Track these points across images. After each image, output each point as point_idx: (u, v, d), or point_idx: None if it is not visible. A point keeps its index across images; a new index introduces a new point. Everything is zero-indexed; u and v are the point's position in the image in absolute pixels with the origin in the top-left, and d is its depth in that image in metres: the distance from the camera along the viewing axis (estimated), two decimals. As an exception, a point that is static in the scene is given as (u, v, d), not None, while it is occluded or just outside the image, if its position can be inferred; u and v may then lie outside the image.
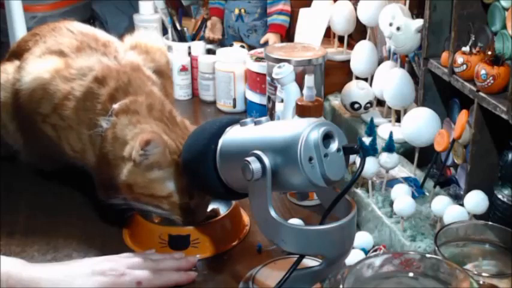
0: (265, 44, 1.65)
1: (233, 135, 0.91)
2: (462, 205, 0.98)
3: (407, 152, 1.28)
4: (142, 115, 1.03)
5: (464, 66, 1.08)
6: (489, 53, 1.04)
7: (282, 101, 1.21)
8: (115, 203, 1.13)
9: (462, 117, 1.08)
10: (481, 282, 0.79)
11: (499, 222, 0.93)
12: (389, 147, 1.09)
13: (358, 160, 1.15)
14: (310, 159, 0.78)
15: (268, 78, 1.37)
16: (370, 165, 1.08)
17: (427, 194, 1.12)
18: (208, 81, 1.65)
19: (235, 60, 1.58)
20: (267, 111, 1.40)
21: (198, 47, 1.70)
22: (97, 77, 1.08)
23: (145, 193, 1.00)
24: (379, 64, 1.42)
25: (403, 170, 1.21)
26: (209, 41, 1.75)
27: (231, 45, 1.73)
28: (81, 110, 1.08)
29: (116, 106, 1.05)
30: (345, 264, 0.87)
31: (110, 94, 1.06)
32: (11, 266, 0.87)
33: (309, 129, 0.79)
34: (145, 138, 0.96)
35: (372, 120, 1.14)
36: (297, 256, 0.83)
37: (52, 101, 1.10)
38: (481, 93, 1.04)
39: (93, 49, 1.14)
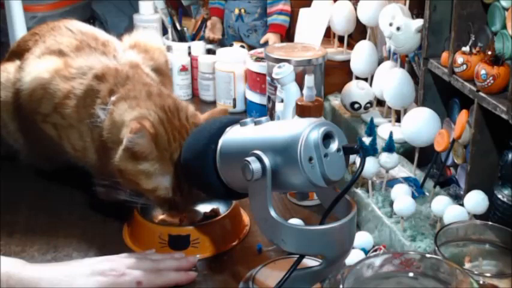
0: (265, 44, 1.65)
1: (233, 135, 0.91)
2: (462, 205, 0.98)
3: (407, 152, 1.28)
4: (141, 99, 1.03)
5: (464, 66, 1.08)
6: (489, 53, 1.04)
7: (282, 101, 1.21)
8: (114, 201, 1.14)
9: (462, 117, 1.08)
10: (481, 282, 0.79)
11: (499, 222, 0.93)
12: (390, 147, 1.09)
13: (358, 160, 1.15)
14: (310, 159, 0.78)
15: (268, 78, 1.37)
16: (370, 165, 1.08)
17: (427, 194, 1.12)
18: (208, 81, 1.65)
19: (235, 60, 1.58)
20: (267, 111, 1.40)
21: (198, 47, 1.70)
22: (97, 75, 1.08)
23: (133, 181, 1.00)
24: (379, 64, 1.43)
25: (403, 170, 1.21)
26: (209, 41, 1.75)
27: (231, 45, 1.73)
28: (81, 107, 1.08)
29: (113, 98, 1.05)
30: (345, 264, 0.87)
31: (109, 89, 1.06)
32: (11, 266, 0.87)
33: (309, 129, 0.79)
34: (135, 125, 0.96)
35: (371, 120, 1.14)
36: (297, 256, 0.83)
37: (52, 100, 1.10)
38: (481, 93, 1.04)
39: (93, 48, 1.15)
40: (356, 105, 1.41)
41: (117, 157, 1.00)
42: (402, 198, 1.02)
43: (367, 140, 1.11)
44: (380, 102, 1.45)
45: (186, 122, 1.03)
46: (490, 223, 0.91)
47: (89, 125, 1.07)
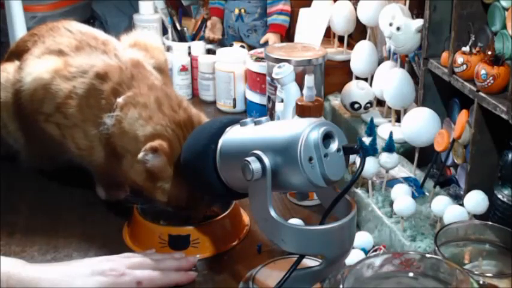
0: (265, 44, 1.66)
1: (233, 135, 0.91)
2: (462, 205, 0.98)
3: (407, 152, 1.28)
4: (152, 109, 1.02)
5: (464, 66, 1.08)
6: (489, 53, 1.04)
7: (282, 101, 1.21)
8: (115, 200, 1.14)
9: (462, 117, 1.08)
10: (481, 282, 0.79)
11: (499, 222, 0.93)
12: (390, 147, 1.09)
13: (358, 160, 1.15)
14: (310, 159, 0.78)
15: (268, 78, 1.37)
16: (370, 165, 1.08)
17: (427, 194, 1.12)
18: (208, 81, 1.65)
19: (235, 60, 1.58)
20: (267, 111, 1.40)
21: (198, 47, 1.70)
22: (99, 73, 1.08)
23: (149, 193, 1.02)
24: (379, 64, 1.43)
25: (403, 170, 1.21)
26: (209, 41, 1.75)
27: (231, 45, 1.73)
28: (85, 107, 1.08)
29: (120, 100, 1.04)
30: (345, 264, 0.87)
31: (112, 88, 1.06)
32: (11, 266, 0.87)
33: (309, 129, 0.79)
34: (153, 146, 0.96)
35: (371, 120, 1.14)
36: (297, 256, 0.83)
37: (54, 100, 1.10)
38: (481, 93, 1.04)
39: (93, 48, 1.14)
40: (356, 105, 1.41)
41: (132, 171, 1.01)
42: (402, 198, 1.02)
43: (367, 140, 1.11)
44: (380, 102, 1.45)
45: None
46: (490, 223, 0.91)
47: (95, 131, 1.06)
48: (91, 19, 2.12)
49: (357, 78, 1.47)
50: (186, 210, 1.03)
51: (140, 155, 0.97)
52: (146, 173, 0.99)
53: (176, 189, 1.00)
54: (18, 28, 1.75)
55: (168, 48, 1.72)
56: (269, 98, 1.38)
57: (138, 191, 1.05)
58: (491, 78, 1.01)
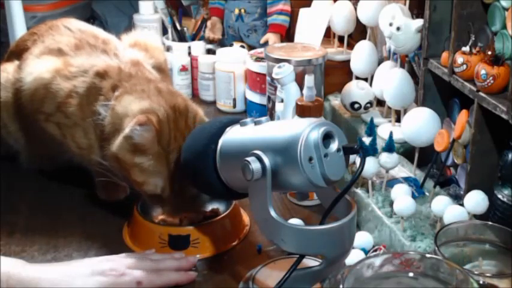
0: (265, 44, 1.66)
1: (233, 135, 0.91)
2: (462, 205, 0.98)
3: (407, 152, 1.28)
4: (151, 93, 1.03)
5: (464, 66, 1.08)
6: (489, 53, 1.04)
7: (282, 101, 1.21)
8: (115, 200, 1.14)
9: (462, 117, 1.08)
10: (481, 282, 0.79)
11: (499, 222, 0.93)
12: (390, 147, 1.09)
13: (358, 160, 1.15)
14: (310, 159, 0.78)
15: (268, 78, 1.37)
16: (370, 165, 1.08)
17: (427, 194, 1.12)
18: (208, 81, 1.65)
19: (235, 60, 1.58)
20: (267, 111, 1.40)
21: (198, 47, 1.70)
22: (99, 72, 1.08)
23: (125, 169, 1.00)
24: (379, 64, 1.43)
25: (403, 170, 1.21)
26: (209, 41, 1.75)
27: (231, 45, 1.73)
28: (85, 105, 1.08)
29: (116, 93, 1.04)
30: (345, 264, 0.87)
31: (112, 85, 1.06)
32: (11, 266, 0.87)
33: (309, 129, 0.79)
34: (143, 118, 0.96)
35: (371, 120, 1.14)
36: (297, 256, 0.83)
37: (55, 99, 1.10)
38: (481, 93, 1.04)
39: (93, 46, 1.14)
40: (356, 105, 1.41)
41: (116, 144, 0.99)
42: (402, 198, 1.02)
43: (367, 140, 1.11)
44: (380, 102, 1.45)
45: (192, 125, 1.03)
46: (490, 223, 0.91)
47: (91, 122, 1.07)
48: (91, 19, 2.12)
49: (357, 78, 1.47)
50: (161, 203, 1.03)
51: (128, 129, 0.96)
52: (129, 146, 0.98)
53: (154, 172, 0.99)
54: (18, 28, 1.75)
55: (168, 48, 1.72)
56: (269, 98, 1.38)
57: (115, 169, 1.04)
58: (491, 78, 1.01)
